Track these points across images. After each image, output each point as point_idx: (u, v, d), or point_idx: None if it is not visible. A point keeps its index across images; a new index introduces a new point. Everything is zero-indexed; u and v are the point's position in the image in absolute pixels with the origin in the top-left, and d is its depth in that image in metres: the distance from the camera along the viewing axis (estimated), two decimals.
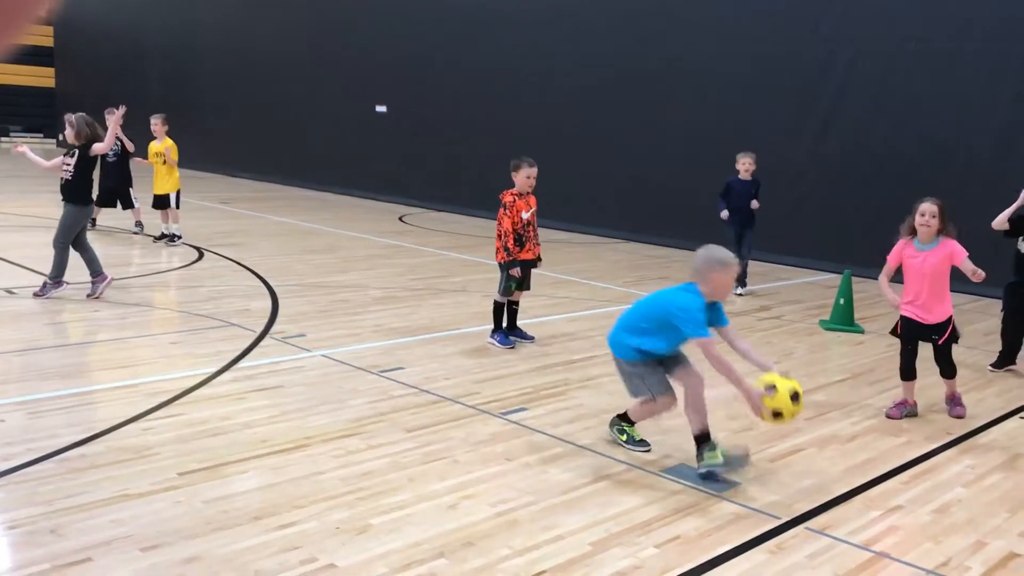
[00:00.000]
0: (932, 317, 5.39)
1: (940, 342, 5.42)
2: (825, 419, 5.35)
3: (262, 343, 6.39)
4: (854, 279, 8.18)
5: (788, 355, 6.92)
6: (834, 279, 9.93)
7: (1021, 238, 6.51)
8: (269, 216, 13.99)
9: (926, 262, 5.34)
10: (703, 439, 4.38)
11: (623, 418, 4.73)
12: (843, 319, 7.90)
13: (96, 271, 7.59)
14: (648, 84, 12.98)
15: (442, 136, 16.01)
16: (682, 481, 4.25)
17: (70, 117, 7.80)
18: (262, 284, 8.47)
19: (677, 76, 12.67)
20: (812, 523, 3.88)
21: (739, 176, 9.17)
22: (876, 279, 10.31)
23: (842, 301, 7.91)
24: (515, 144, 14.36)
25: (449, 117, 15.88)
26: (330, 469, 4.15)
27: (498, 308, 6.75)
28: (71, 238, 7.54)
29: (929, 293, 5.36)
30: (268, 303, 7.67)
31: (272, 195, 17.46)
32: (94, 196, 7.86)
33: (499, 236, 6.61)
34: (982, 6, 10.00)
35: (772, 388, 4.13)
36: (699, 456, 4.36)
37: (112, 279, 7.73)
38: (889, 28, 10.68)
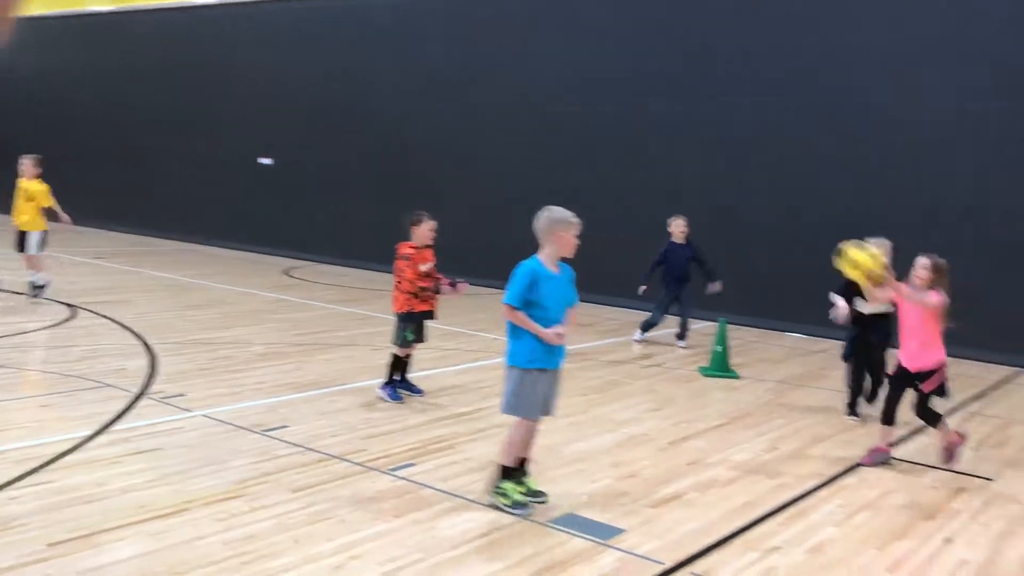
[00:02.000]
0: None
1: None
2: (705, 464, 5.53)
3: (139, 404, 6.17)
4: (729, 327, 8.52)
5: (670, 401, 7.12)
6: (712, 327, 10.31)
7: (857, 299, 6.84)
8: (148, 271, 13.54)
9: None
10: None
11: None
12: (720, 366, 8.22)
13: None
14: (544, 133, 13.30)
15: (329, 188, 15.92)
16: (569, 531, 4.31)
17: None
18: (139, 342, 8.19)
19: (598, 131, 13.04)
20: (696, 566, 4.00)
21: (673, 240, 9.48)
22: (749, 327, 10.83)
23: (719, 348, 8.24)
24: (402, 195, 14.45)
25: (336, 168, 15.82)
26: (212, 533, 4.03)
27: (396, 360, 6.73)
28: None
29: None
30: (146, 362, 7.42)
31: (151, 249, 16.93)
32: None
33: (397, 285, 6.61)
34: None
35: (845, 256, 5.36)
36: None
37: None
38: (797, 92, 11.31)
